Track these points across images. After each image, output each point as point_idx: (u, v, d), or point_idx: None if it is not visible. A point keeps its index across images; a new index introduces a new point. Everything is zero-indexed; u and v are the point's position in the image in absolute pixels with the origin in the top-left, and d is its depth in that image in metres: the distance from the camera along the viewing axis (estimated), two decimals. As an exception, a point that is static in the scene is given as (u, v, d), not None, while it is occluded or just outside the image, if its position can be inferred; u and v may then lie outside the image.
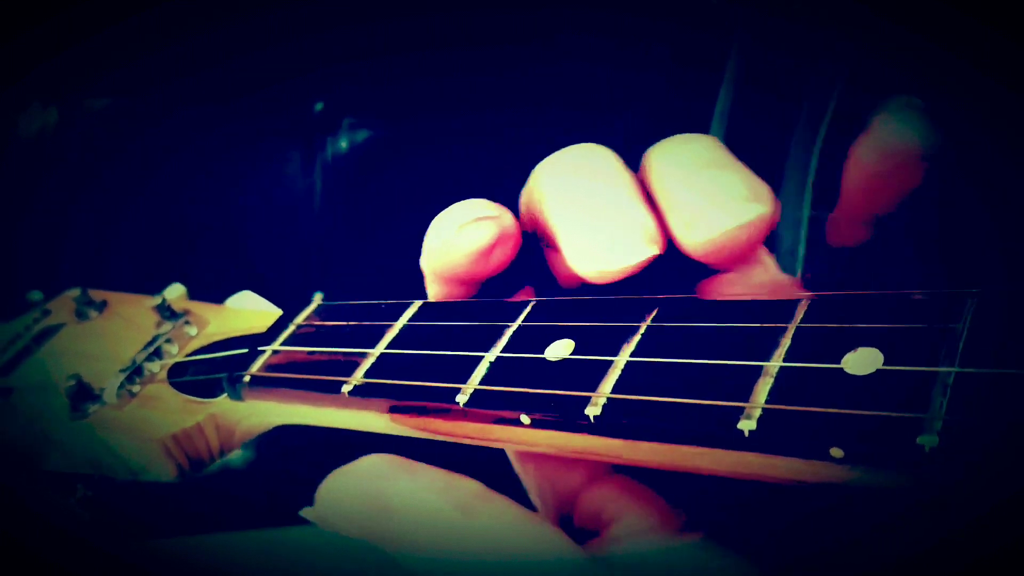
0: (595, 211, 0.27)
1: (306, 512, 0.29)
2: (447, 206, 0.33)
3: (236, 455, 0.71)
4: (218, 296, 0.44)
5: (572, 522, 0.29)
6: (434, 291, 0.33)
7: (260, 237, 0.72)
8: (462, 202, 0.30)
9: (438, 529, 0.26)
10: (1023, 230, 0.43)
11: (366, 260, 0.72)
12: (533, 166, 0.31)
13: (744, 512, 0.26)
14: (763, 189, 0.25)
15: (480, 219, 0.29)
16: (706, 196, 0.25)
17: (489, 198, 0.33)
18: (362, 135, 0.70)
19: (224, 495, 0.69)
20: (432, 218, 0.48)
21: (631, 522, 0.28)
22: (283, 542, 0.67)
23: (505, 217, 0.30)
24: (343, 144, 0.70)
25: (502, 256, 0.30)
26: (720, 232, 0.25)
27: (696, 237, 0.25)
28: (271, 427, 0.37)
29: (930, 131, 0.24)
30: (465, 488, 0.26)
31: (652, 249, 0.26)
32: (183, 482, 0.69)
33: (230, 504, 0.69)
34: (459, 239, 0.29)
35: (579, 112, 0.69)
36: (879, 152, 0.24)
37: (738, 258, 0.27)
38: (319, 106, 0.70)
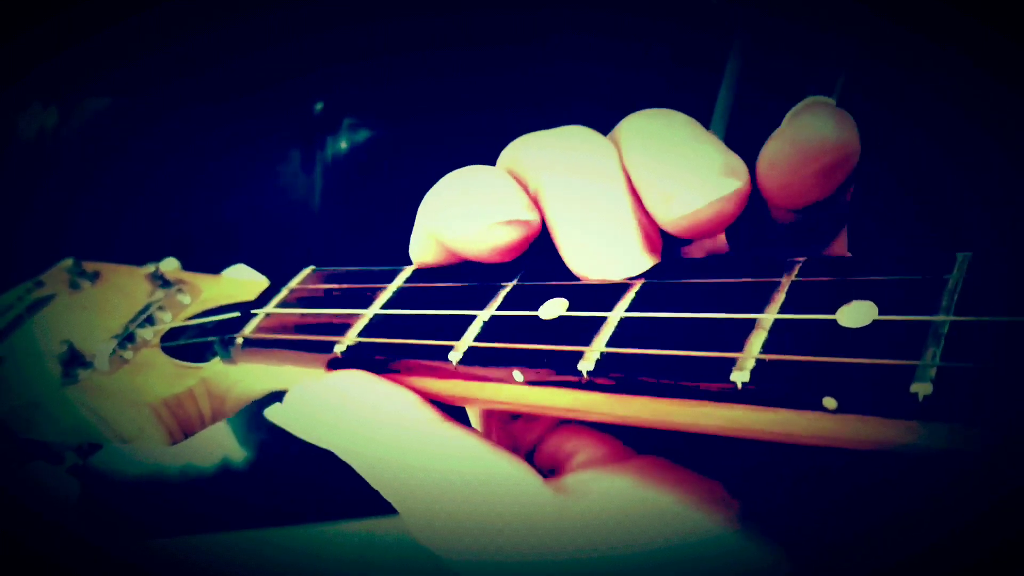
0: (595, 213, 0.26)
1: (271, 413, 0.30)
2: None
3: (237, 455, 0.71)
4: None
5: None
6: (428, 253, 0.31)
7: (260, 237, 0.72)
8: (491, 180, 0.28)
9: (407, 438, 0.27)
10: (1022, 225, 0.43)
11: (366, 259, 0.71)
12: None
13: (779, 496, 0.26)
14: (738, 163, 0.25)
15: (513, 223, 0.27)
16: (681, 171, 0.25)
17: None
18: (362, 135, 0.70)
19: (224, 495, 0.69)
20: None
21: (587, 452, 0.28)
22: (283, 542, 0.67)
23: (535, 219, 0.28)
24: (343, 144, 0.70)
25: (519, 252, 0.29)
26: (693, 208, 0.25)
27: (672, 213, 0.25)
28: (264, 393, 0.36)
29: (842, 125, 0.23)
30: (434, 408, 0.28)
31: (651, 260, 0.26)
32: (184, 482, 0.69)
33: (230, 504, 0.69)
34: (487, 236, 0.27)
35: (579, 112, 0.69)
36: (789, 147, 0.24)
37: (714, 232, 0.26)
38: (319, 106, 0.70)
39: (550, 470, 0.29)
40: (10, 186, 0.69)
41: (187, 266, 0.45)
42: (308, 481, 0.65)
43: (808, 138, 0.23)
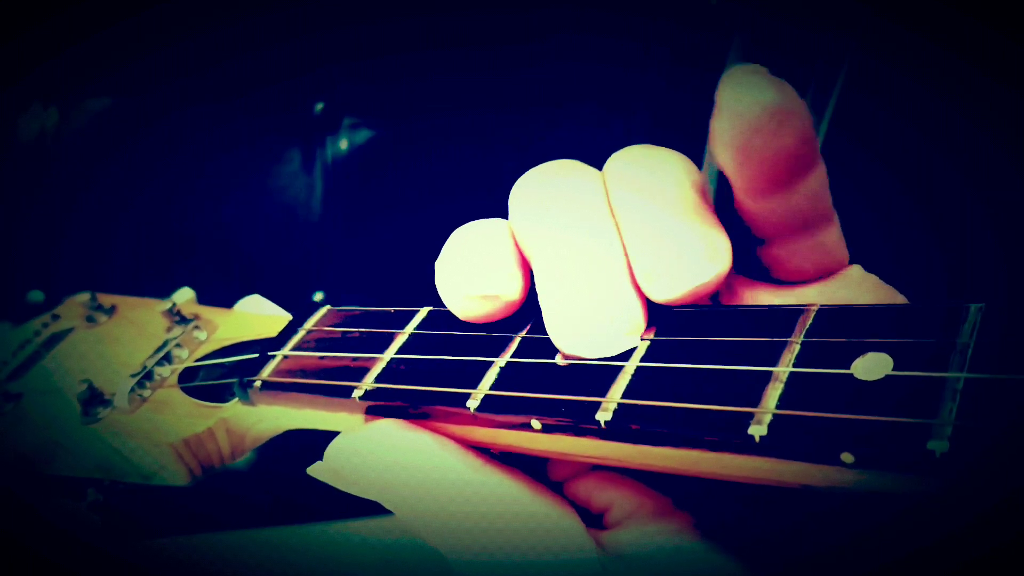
0: (582, 290, 0.26)
1: (314, 470, 0.30)
2: (446, 207, 0.32)
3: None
4: (220, 296, 0.44)
5: None
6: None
7: (260, 237, 0.72)
8: (480, 246, 0.29)
9: (447, 487, 0.27)
10: (1022, 225, 0.43)
11: (366, 260, 0.72)
12: (530, 166, 0.30)
13: (745, 513, 0.27)
14: (721, 242, 0.26)
15: (487, 297, 0.28)
16: (665, 250, 0.25)
17: (489, 198, 0.33)
18: (362, 135, 0.70)
19: (224, 495, 0.69)
20: (431, 219, 0.48)
21: (625, 506, 0.29)
22: (283, 542, 0.67)
23: (513, 290, 0.28)
24: (343, 144, 0.70)
25: (504, 316, 0.29)
26: (677, 293, 0.25)
27: (655, 292, 0.26)
28: (282, 431, 0.37)
29: (773, 86, 0.23)
30: (474, 453, 0.28)
31: (632, 342, 0.26)
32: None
33: (230, 504, 0.69)
34: (464, 305, 0.29)
35: (579, 112, 0.69)
36: (732, 123, 0.23)
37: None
38: (319, 106, 0.70)
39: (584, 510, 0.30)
40: (10, 186, 0.69)
41: (187, 266, 0.45)
42: (308, 481, 0.65)
43: (745, 105, 0.23)
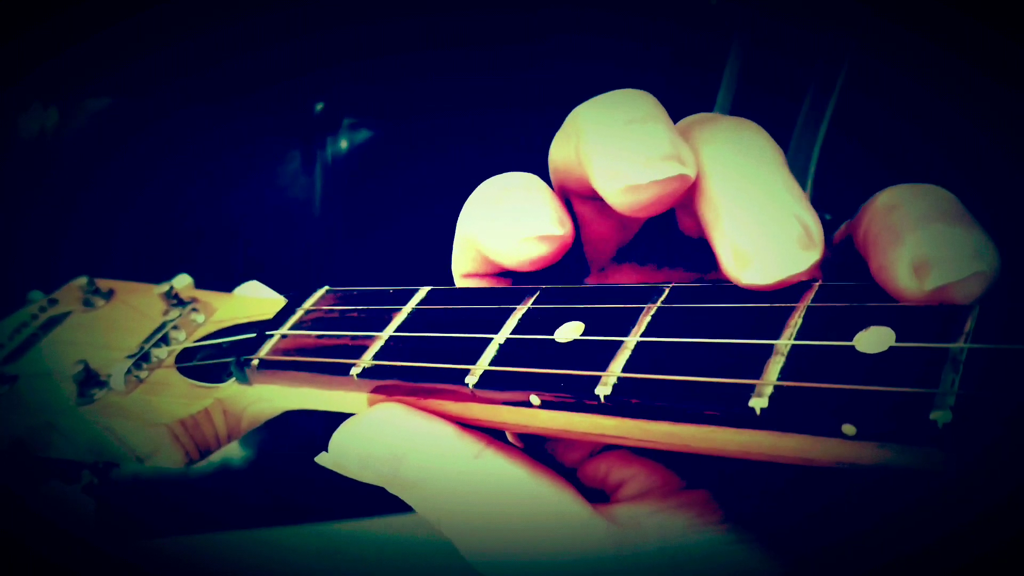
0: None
1: (321, 458, 0.30)
2: (447, 207, 0.32)
3: (236, 454, 0.71)
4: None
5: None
6: (467, 260, 0.32)
7: (261, 237, 0.72)
8: (528, 194, 0.28)
9: (449, 471, 0.27)
10: (1022, 225, 0.43)
11: (366, 259, 0.72)
12: (531, 166, 0.30)
13: (768, 501, 0.27)
14: (817, 228, 0.24)
15: (544, 238, 0.28)
16: (766, 231, 0.24)
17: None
18: (362, 135, 0.70)
19: (224, 495, 0.70)
20: (431, 219, 0.48)
21: (639, 483, 0.28)
22: (283, 542, 0.67)
23: (567, 233, 0.28)
24: (343, 144, 0.70)
25: (552, 262, 0.29)
26: (771, 280, 0.24)
27: (748, 276, 0.24)
28: (278, 413, 0.36)
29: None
30: (475, 435, 0.28)
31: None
32: (184, 481, 0.69)
33: (230, 504, 0.69)
34: (519, 249, 0.28)
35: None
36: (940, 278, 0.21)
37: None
38: (319, 106, 0.70)
39: (597, 491, 0.29)
40: (11, 186, 0.69)
41: (188, 267, 0.45)
42: (308, 480, 0.65)
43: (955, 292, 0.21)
